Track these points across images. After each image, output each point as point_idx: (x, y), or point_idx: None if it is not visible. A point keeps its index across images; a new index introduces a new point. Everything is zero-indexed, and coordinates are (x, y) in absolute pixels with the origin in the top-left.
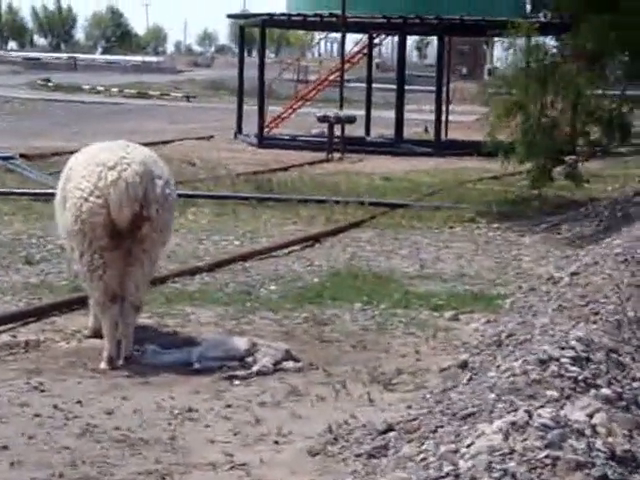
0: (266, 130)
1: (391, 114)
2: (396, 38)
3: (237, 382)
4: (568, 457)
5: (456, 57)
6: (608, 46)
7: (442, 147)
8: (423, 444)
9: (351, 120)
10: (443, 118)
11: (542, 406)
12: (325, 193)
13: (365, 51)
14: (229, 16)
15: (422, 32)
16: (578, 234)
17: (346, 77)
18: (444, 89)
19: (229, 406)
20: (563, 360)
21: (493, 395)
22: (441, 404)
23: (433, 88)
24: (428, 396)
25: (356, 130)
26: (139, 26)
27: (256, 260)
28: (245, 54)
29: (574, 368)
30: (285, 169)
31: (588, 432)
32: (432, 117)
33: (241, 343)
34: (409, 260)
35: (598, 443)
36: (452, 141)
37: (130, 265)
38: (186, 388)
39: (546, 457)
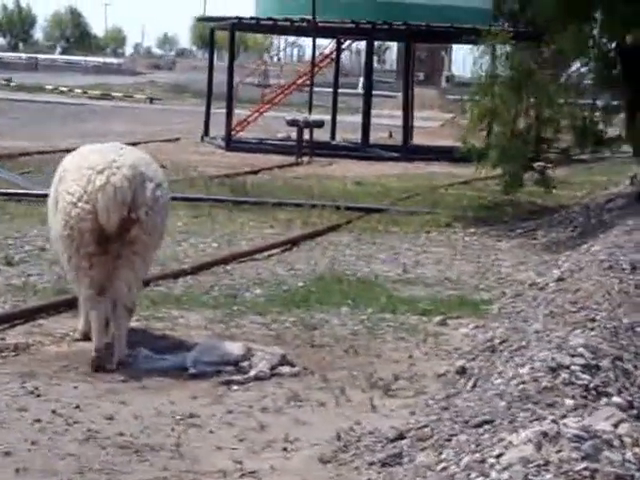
0: (232, 133)
1: (352, 118)
2: (356, 44)
3: (235, 387)
4: (606, 470)
5: (416, 64)
6: (584, 54)
7: (409, 152)
8: (441, 453)
9: (319, 124)
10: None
11: (565, 415)
12: (300, 197)
13: (333, 56)
14: (198, 19)
15: (390, 38)
16: (554, 240)
17: (308, 82)
18: (392, 94)
19: (230, 412)
20: (573, 368)
21: (503, 403)
22: (448, 411)
23: (392, 93)
24: (431, 402)
25: (320, 134)
26: (98, 27)
27: (237, 263)
28: (206, 56)
29: (585, 376)
30: (255, 172)
31: (616, 443)
32: (393, 122)
33: (236, 348)
34: (389, 264)
35: (628, 454)
36: (418, 146)
37: (121, 267)
38: (184, 393)
39: (584, 469)
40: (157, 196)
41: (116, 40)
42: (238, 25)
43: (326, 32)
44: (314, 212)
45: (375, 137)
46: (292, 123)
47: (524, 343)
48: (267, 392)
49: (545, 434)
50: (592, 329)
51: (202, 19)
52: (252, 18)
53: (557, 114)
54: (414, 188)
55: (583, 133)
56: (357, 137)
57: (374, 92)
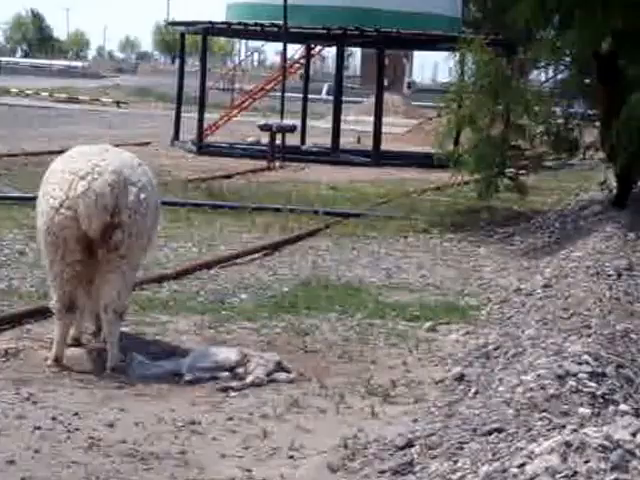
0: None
1: (317, 123)
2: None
3: (233, 394)
4: None
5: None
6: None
7: (380, 158)
8: (456, 461)
9: (292, 129)
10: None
11: (582, 425)
12: (276, 201)
13: (302, 61)
14: (169, 23)
15: (361, 44)
16: (532, 246)
17: (276, 87)
18: (356, 100)
19: (231, 419)
20: (580, 375)
21: (511, 410)
22: (453, 418)
23: (357, 99)
24: (433, 409)
25: (290, 139)
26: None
27: (220, 268)
28: (168, 61)
29: (591, 383)
30: (229, 176)
31: (638, 452)
32: (359, 127)
33: (231, 354)
34: (372, 270)
35: None
36: (389, 152)
37: (109, 272)
38: (183, 400)
39: None
40: (141, 199)
41: (78, 43)
42: (210, 30)
43: (297, 37)
44: (292, 217)
45: (343, 142)
46: (265, 128)
47: (519, 349)
48: (266, 399)
49: (569, 444)
50: (589, 336)
51: (173, 23)
52: (224, 23)
53: (533, 121)
54: (388, 193)
55: (558, 140)
56: (324, 142)
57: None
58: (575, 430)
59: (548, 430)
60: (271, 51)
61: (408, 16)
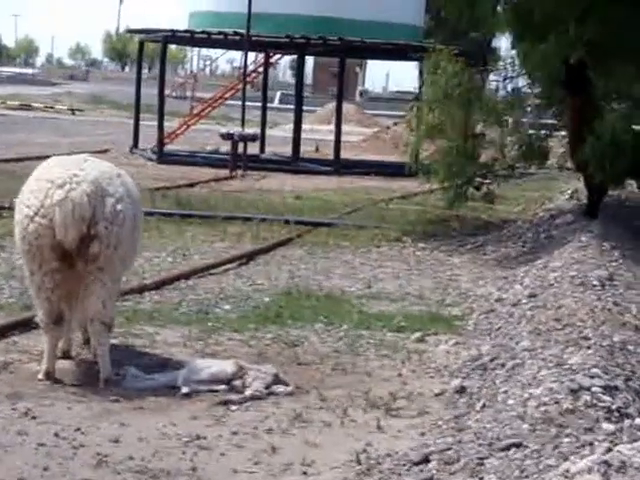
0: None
1: (270, 132)
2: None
3: (234, 407)
4: None
5: (328, 78)
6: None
7: (341, 166)
8: (481, 478)
9: (254, 138)
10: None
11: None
12: (245, 210)
13: (261, 70)
14: (129, 31)
15: (324, 53)
16: (505, 255)
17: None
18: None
19: (235, 433)
20: (594, 389)
21: (526, 425)
22: (465, 433)
23: (309, 107)
24: (440, 423)
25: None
26: (8, 37)
27: (197, 278)
28: (118, 68)
29: (606, 397)
30: (192, 185)
31: None
32: (313, 136)
33: (227, 366)
34: (348, 279)
35: None
36: (349, 160)
37: (91, 284)
38: (183, 414)
39: None
40: (118, 210)
41: (27, 50)
42: (171, 38)
43: (260, 46)
44: (263, 226)
45: (301, 151)
46: (227, 137)
47: (518, 361)
48: (268, 412)
49: (608, 463)
50: (588, 348)
51: (133, 31)
52: (186, 31)
53: (504, 131)
54: (355, 202)
55: (529, 149)
56: (281, 151)
57: (291, 106)
58: (609, 449)
59: (577, 447)
60: (222, 59)
61: (370, 25)
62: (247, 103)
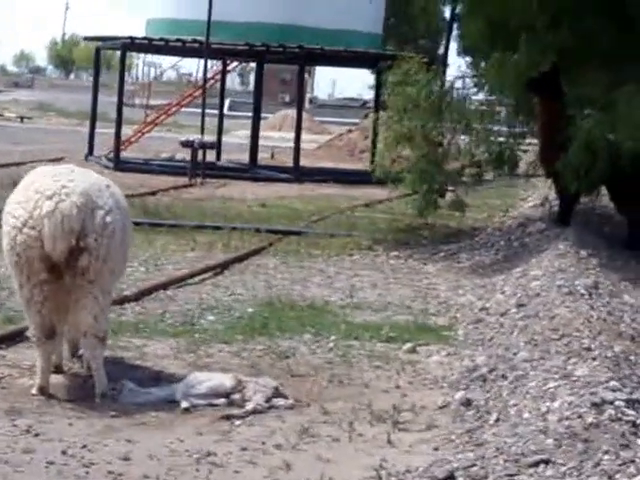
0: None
1: (224, 139)
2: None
3: (237, 422)
4: None
5: (276, 85)
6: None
7: (300, 174)
8: None
9: (213, 146)
10: (287, 145)
11: None
12: (211, 219)
13: (218, 77)
14: (86, 39)
15: (284, 60)
16: (479, 263)
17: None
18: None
19: (245, 449)
20: (617, 403)
21: (551, 440)
22: (485, 448)
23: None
24: (453, 437)
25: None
26: None
27: (175, 288)
28: (62, 76)
29: (631, 412)
30: (153, 193)
31: None
32: (265, 143)
33: (225, 379)
34: (326, 289)
35: None
36: (308, 168)
37: (82, 297)
38: (187, 429)
39: None
40: (107, 222)
41: None
42: (129, 45)
43: (219, 54)
44: (233, 234)
45: (260, 157)
46: (186, 144)
47: (519, 373)
48: (273, 427)
49: None
50: (594, 359)
51: (89, 38)
52: (144, 38)
53: (474, 139)
54: (320, 210)
55: (499, 158)
56: (236, 158)
57: (241, 113)
58: None
59: (620, 465)
60: (168, 66)
61: (330, 33)
62: (198, 110)
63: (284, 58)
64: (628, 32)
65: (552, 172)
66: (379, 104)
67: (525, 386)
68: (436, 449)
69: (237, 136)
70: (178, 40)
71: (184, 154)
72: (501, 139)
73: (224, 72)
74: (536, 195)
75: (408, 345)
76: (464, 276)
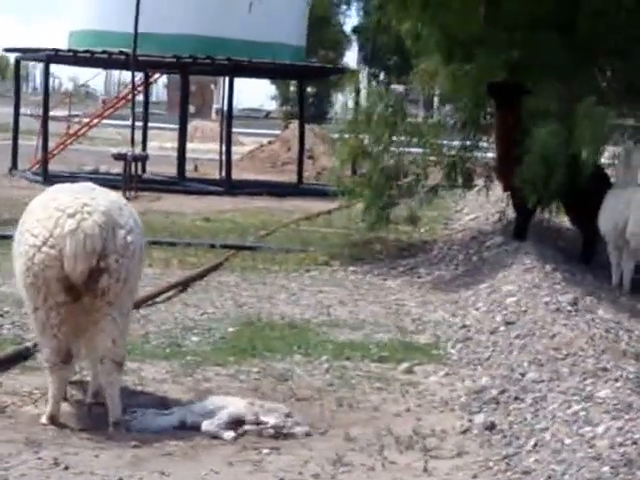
0: (34, 166)
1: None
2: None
3: (265, 451)
4: None
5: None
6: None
7: (232, 186)
8: None
9: (145, 158)
10: (205, 156)
11: None
12: (158, 233)
13: (140, 89)
14: (6, 50)
15: (211, 72)
16: (439, 278)
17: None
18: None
19: None
20: None
21: (606, 468)
22: (533, 476)
23: (164, 125)
24: (490, 464)
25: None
26: None
27: (146, 307)
28: None
29: None
30: None
31: None
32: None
33: (241, 405)
34: (296, 306)
35: None
36: (236, 180)
37: (100, 320)
38: (216, 459)
39: None
40: (128, 242)
41: None
42: (54, 57)
43: (146, 66)
44: (188, 250)
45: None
46: (119, 157)
47: (537, 394)
48: (302, 455)
49: None
50: (616, 380)
51: (11, 50)
52: (69, 50)
53: (428, 152)
54: (264, 224)
55: (453, 170)
56: (158, 170)
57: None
58: None
59: None
60: (65, 77)
61: (256, 45)
62: (117, 122)
63: (211, 70)
64: (577, 47)
65: (509, 185)
66: (303, 116)
67: (546, 409)
68: (475, 477)
69: (150, 148)
70: (104, 52)
71: (108, 166)
72: (453, 152)
73: (147, 84)
74: (471, 207)
75: (404, 365)
76: (428, 291)
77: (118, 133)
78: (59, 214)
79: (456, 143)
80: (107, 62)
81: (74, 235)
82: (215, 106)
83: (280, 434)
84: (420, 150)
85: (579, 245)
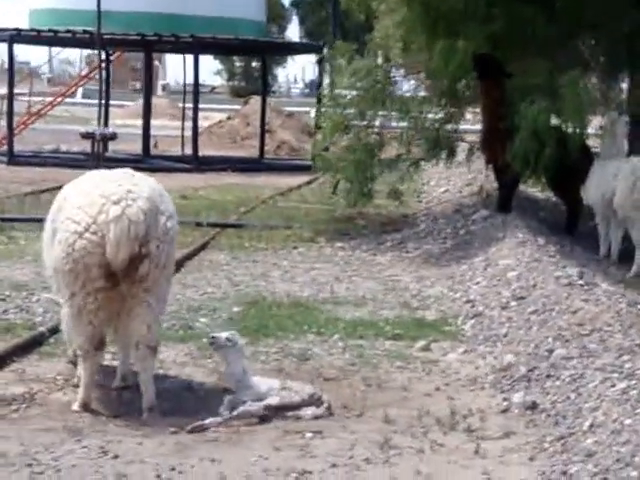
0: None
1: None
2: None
3: (308, 434)
4: None
5: (129, 73)
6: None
7: (200, 163)
8: None
9: (113, 137)
10: (162, 133)
11: None
12: None
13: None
14: None
15: (175, 50)
16: (428, 252)
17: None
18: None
19: (335, 465)
20: None
21: None
22: (599, 457)
23: (120, 102)
24: (545, 445)
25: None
26: None
27: None
28: None
29: None
30: (60, 188)
31: None
32: (135, 131)
33: (274, 384)
34: (292, 284)
35: None
36: (206, 157)
37: (136, 306)
38: (262, 444)
39: None
40: (168, 228)
41: None
42: (17, 37)
43: (110, 44)
44: None
45: (135, 147)
46: (87, 136)
47: (573, 372)
48: (346, 438)
49: None
50: None
51: None
52: (32, 30)
53: (412, 126)
54: (241, 200)
55: (436, 143)
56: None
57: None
58: None
59: None
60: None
61: (215, 21)
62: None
63: (175, 47)
64: (558, 20)
65: (493, 159)
66: (266, 92)
67: (587, 387)
68: (531, 459)
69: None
70: (68, 31)
71: (68, 145)
72: (437, 125)
73: (108, 62)
74: (437, 180)
75: (421, 343)
76: (420, 266)
77: (66, 111)
78: (103, 201)
79: (439, 117)
80: (71, 41)
81: (119, 222)
82: (161, 82)
83: (317, 416)
84: (403, 125)
85: (560, 216)
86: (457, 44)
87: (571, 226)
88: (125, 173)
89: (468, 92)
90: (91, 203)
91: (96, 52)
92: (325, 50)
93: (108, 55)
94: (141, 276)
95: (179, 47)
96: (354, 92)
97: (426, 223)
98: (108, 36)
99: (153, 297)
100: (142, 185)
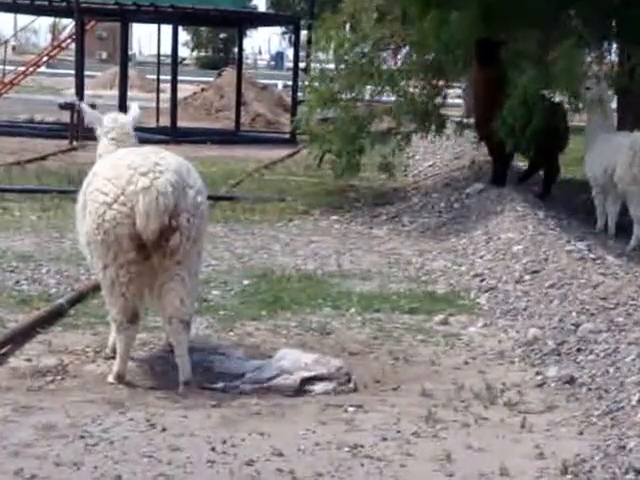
0: None
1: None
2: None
3: (351, 409)
4: None
5: (95, 42)
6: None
7: (178, 135)
8: None
9: (93, 107)
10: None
11: None
12: None
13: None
14: None
15: (154, 20)
16: (425, 225)
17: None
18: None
19: (385, 439)
20: None
21: None
22: None
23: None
24: (594, 420)
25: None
26: None
27: None
28: None
29: None
30: (43, 158)
31: None
32: (103, 102)
33: (307, 358)
34: (295, 257)
35: None
36: (183, 129)
37: (169, 280)
38: (307, 418)
39: None
40: (198, 202)
41: None
42: None
43: (87, 13)
44: None
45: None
46: (65, 106)
47: (606, 346)
48: (390, 412)
49: None
50: None
51: None
52: None
53: (402, 100)
54: (228, 173)
55: (426, 116)
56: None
57: (62, 71)
58: None
59: None
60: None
61: None
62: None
63: (155, 18)
64: None
65: (487, 134)
66: (242, 64)
67: (623, 361)
68: (581, 433)
69: (67, 95)
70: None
71: (42, 115)
72: (425, 99)
73: (83, 32)
74: (422, 153)
75: (440, 317)
76: (418, 240)
77: (33, 80)
78: (131, 172)
79: (427, 91)
80: (49, 10)
81: (147, 193)
82: (130, 52)
83: (351, 389)
84: (391, 98)
85: (555, 191)
86: (449, 15)
87: (545, 192)
88: (153, 148)
89: (456, 66)
90: (119, 175)
91: (62, 21)
92: (303, 22)
93: (83, 24)
94: (172, 249)
95: (157, 17)
96: (342, 66)
97: (418, 197)
98: (85, 5)
99: (185, 271)
100: (169, 159)
